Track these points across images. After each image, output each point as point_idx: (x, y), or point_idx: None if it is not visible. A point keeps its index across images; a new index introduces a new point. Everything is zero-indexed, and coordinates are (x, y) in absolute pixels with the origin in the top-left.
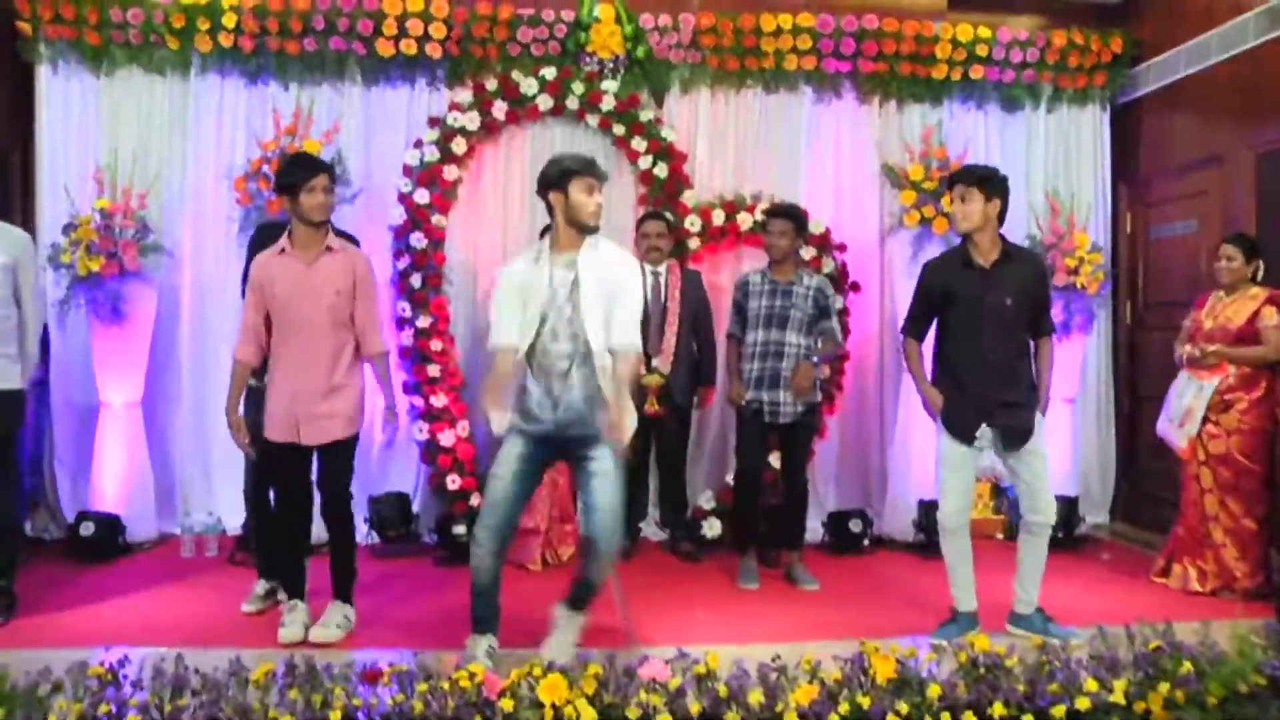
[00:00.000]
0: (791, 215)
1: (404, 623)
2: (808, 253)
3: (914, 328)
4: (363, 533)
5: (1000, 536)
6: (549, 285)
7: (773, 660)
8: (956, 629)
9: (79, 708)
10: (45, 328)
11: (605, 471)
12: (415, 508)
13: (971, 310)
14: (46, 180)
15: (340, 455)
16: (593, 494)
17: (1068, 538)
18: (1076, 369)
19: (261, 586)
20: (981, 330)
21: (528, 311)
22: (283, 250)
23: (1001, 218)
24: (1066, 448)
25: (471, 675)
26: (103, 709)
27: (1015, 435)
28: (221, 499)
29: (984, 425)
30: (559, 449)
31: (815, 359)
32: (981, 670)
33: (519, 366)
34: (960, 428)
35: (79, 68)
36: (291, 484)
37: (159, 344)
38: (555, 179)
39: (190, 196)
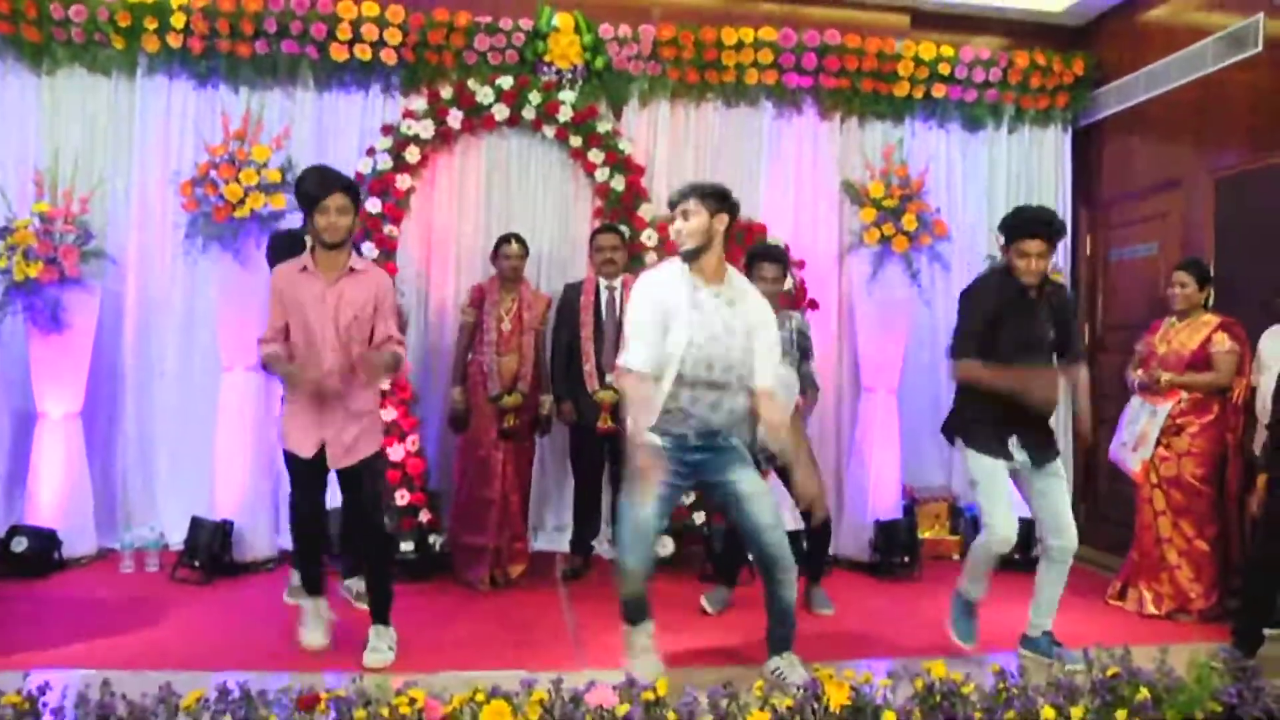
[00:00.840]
0: (780, 259)
1: (341, 643)
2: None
3: (973, 347)
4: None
5: (956, 558)
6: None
7: (724, 687)
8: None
9: None
10: None
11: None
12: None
13: (1014, 330)
14: None
15: (368, 475)
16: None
17: (1024, 560)
18: None
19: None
20: (1019, 353)
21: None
22: (304, 268)
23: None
24: None
25: (412, 701)
26: None
27: (1043, 449)
28: (165, 513)
29: (1014, 437)
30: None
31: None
32: (937, 697)
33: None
34: (990, 444)
35: (17, 65)
36: (310, 497)
37: (101, 353)
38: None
39: (135, 201)
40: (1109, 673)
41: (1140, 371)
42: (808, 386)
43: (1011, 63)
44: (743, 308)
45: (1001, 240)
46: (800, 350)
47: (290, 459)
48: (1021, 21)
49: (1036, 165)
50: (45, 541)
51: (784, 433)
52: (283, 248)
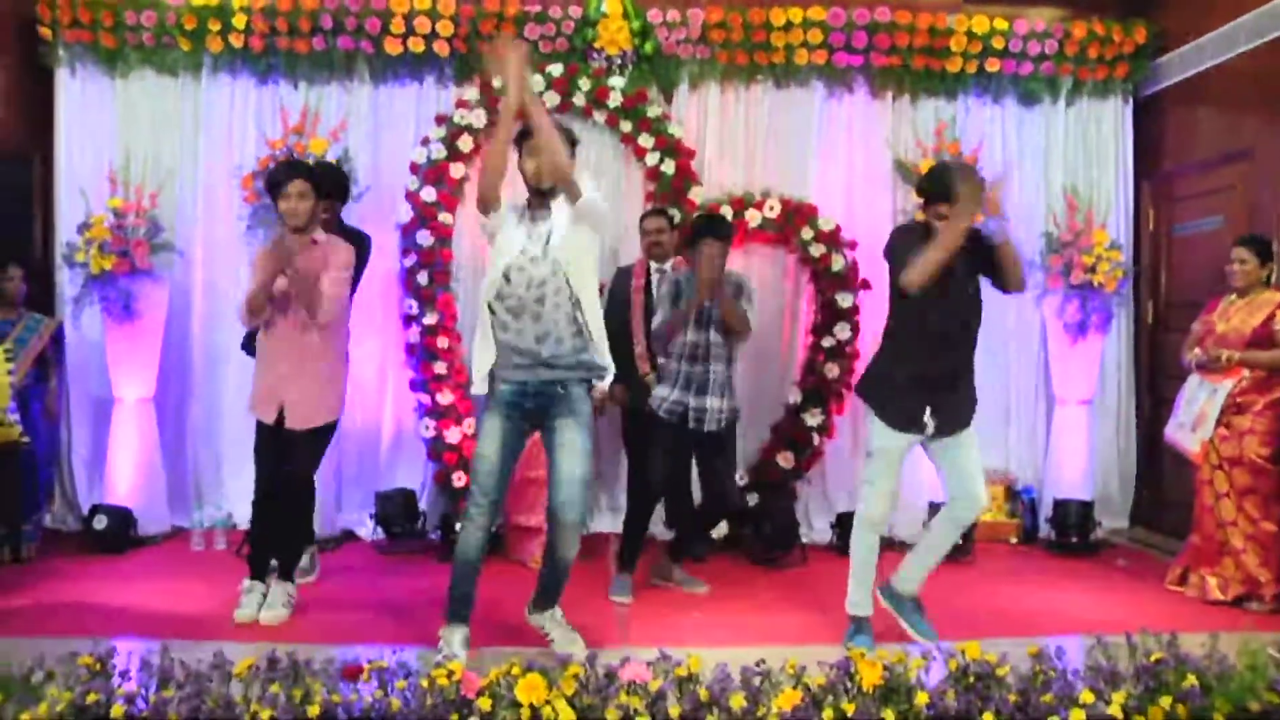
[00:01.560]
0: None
1: (399, 619)
2: (817, 250)
3: (899, 264)
4: (369, 528)
5: (1014, 541)
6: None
7: (757, 664)
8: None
9: (69, 696)
10: (61, 325)
11: (572, 443)
12: (422, 505)
13: (941, 282)
14: (64, 181)
15: (315, 442)
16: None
17: (1083, 543)
18: (1094, 370)
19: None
20: (945, 306)
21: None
22: (274, 245)
23: None
24: (1083, 451)
25: (450, 674)
26: (91, 698)
27: (956, 416)
28: (232, 493)
29: (929, 407)
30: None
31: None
32: (971, 679)
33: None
34: (900, 417)
35: (95, 71)
36: (270, 465)
37: (171, 340)
38: None
39: (201, 195)
40: (1153, 658)
41: (1198, 350)
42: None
43: (1068, 34)
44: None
45: (920, 201)
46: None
47: (257, 426)
48: None
49: (1095, 138)
50: (122, 520)
51: None
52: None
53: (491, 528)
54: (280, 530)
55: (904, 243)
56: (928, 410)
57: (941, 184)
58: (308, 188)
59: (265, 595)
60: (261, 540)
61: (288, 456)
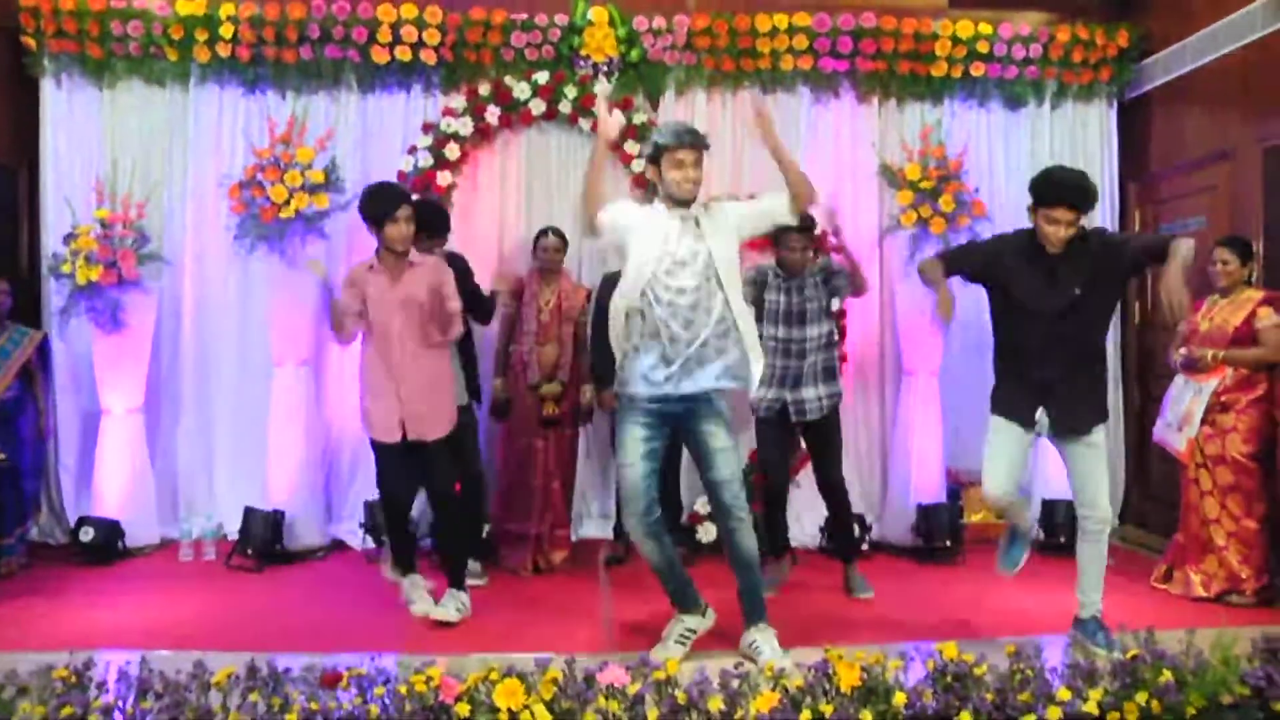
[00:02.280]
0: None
1: (383, 627)
2: None
3: (949, 261)
4: (359, 538)
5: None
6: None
7: (735, 667)
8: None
9: (42, 710)
10: (47, 337)
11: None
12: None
13: (1034, 294)
14: (51, 192)
15: (442, 452)
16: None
17: (1071, 543)
18: None
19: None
20: (1041, 317)
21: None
22: (371, 267)
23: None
24: None
25: (428, 679)
26: (65, 711)
27: (1073, 418)
28: (221, 504)
29: (1040, 410)
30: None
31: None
32: (949, 679)
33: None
34: (1009, 407)
35: (81, 81)
36: (398, 482)
37: (160, 351)
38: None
39: (190, 205)
40: (1129, 654)
41: (1183, 350)
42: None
43: (1053, 38)
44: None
45: (1030, 201)
46: (830, 290)
47: (376, 446)
48: None
49: (1081, 141)
50: (110, 531)
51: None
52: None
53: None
54: (442, 541)
55: (986, 243)
56: (1042, 413)
57: (1055, 191)
58: (411, 212)
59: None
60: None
61: (425, 475)
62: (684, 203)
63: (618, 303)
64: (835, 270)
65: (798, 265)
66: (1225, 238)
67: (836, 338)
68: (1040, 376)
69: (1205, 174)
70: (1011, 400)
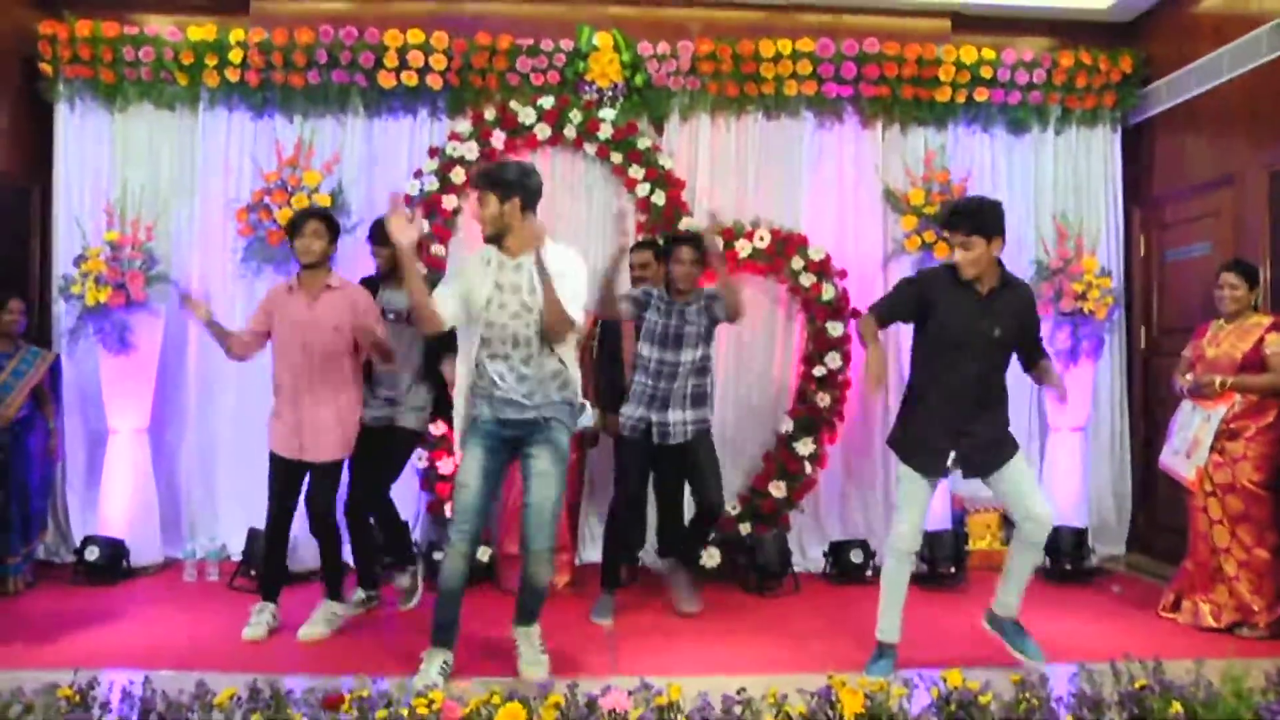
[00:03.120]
0: (696, 243)
1: (385, 648)
2: (807, 279)
3: (881, 312)
4: None
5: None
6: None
7: (738, 693)
8: (888, 664)
9: None
10: (58, 358)
11: (543, 471)
12: (415, 534)
13: (959, 333)
14: (62, 214)
15: (330, 475)
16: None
17: (1077, 570)
18: (1087, 396)
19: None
20: (964, 358)
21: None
22: (290, 288)
23: (1000, 248)
24: (1077, 478)
25: (430, 703)
26: None
27: (987, 466)
28: (226, 525)
29: (952, 454)
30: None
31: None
32: (953, 707)
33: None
34: (923, 463)
35: (94, 105)
36: (285, 496)
37: (166, 372)
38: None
39: (197, 228)
40: (1137, 684)
41: (1190, 376)
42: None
43: (1056, 63)
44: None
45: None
46: (710, 317)
47: (273, 460)
48: (1066, 21)
49: (1085, 166)
50: (115, 551)
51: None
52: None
53: (473, 555)
54: (324, 558)
55: (902, 283)
56: (951, 456)
57: (946, 218)
58: (322, 227)
59: (274, 616)
60: (273, 563)
61: (309, 495)
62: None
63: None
64: (715, 295)
65: (686, 280)
66: (1231, 262)
67: (711, 364)
68: (952, 425)
69: (1210, 199)
70: (923, 448)
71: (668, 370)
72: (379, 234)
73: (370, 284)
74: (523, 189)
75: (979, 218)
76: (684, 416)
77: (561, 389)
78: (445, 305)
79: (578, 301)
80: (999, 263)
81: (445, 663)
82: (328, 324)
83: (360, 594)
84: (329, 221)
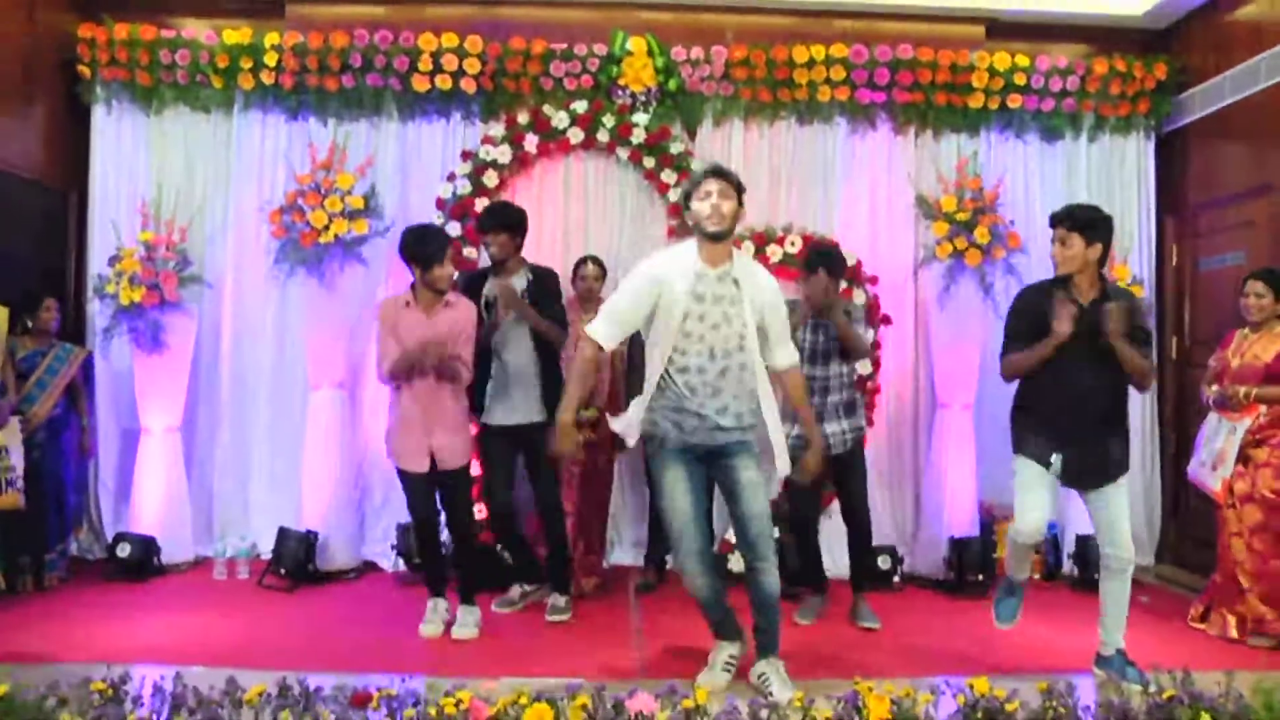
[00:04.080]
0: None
1: (412, 648)
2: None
3: (1011, 346)
4: (391, 560)
5: (1037, 577)
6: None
7: (764, 697)
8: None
9: None
10: (91, 355)
11: (751, 480)
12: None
13: (1064, 345)
14: (98, 215)
15: (462, 482)
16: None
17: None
18: None
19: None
20: (1070, 368)
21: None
22: (407, 303)
23: (1102, 261)
24: None
25: (458, 702)
26: None
27: (1093, 472)
28: (256, 523)
29: (1056, 456)
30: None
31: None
32: (980, 715)
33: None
34: (1035, 449)
35: (131, 107)
36: (428, 509)
37: (199, 372)
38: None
39: (231, 229)
40: (1165, 695)
41: (1215, 387)
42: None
43: (1090, 70)
44: (749, 288)
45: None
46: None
47: (403, 475)
48: (1100, 27)
49: (1118, 174)
50: (146, 548)
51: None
52: (469, 287)
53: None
54: (458, 562)
55: (1019, 313)
56: (1056, 457)
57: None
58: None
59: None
60: (433, 568)
61: (444, 501)
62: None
63: None
64: (855, 313)
65: (819, 300)
66: (1257, 271)
67: (857, 374)
68: (1067, 425)
69: (1244, 208)
70: (1035, 443)
71: (819, 385)
72: (488, 221)
73: (479, 277)
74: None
75: (1081, 218)
76: (841, 426)
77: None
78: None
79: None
80: (1101, 276)
81: (732, 656)
82: (446, 338)
83: (518, 590)
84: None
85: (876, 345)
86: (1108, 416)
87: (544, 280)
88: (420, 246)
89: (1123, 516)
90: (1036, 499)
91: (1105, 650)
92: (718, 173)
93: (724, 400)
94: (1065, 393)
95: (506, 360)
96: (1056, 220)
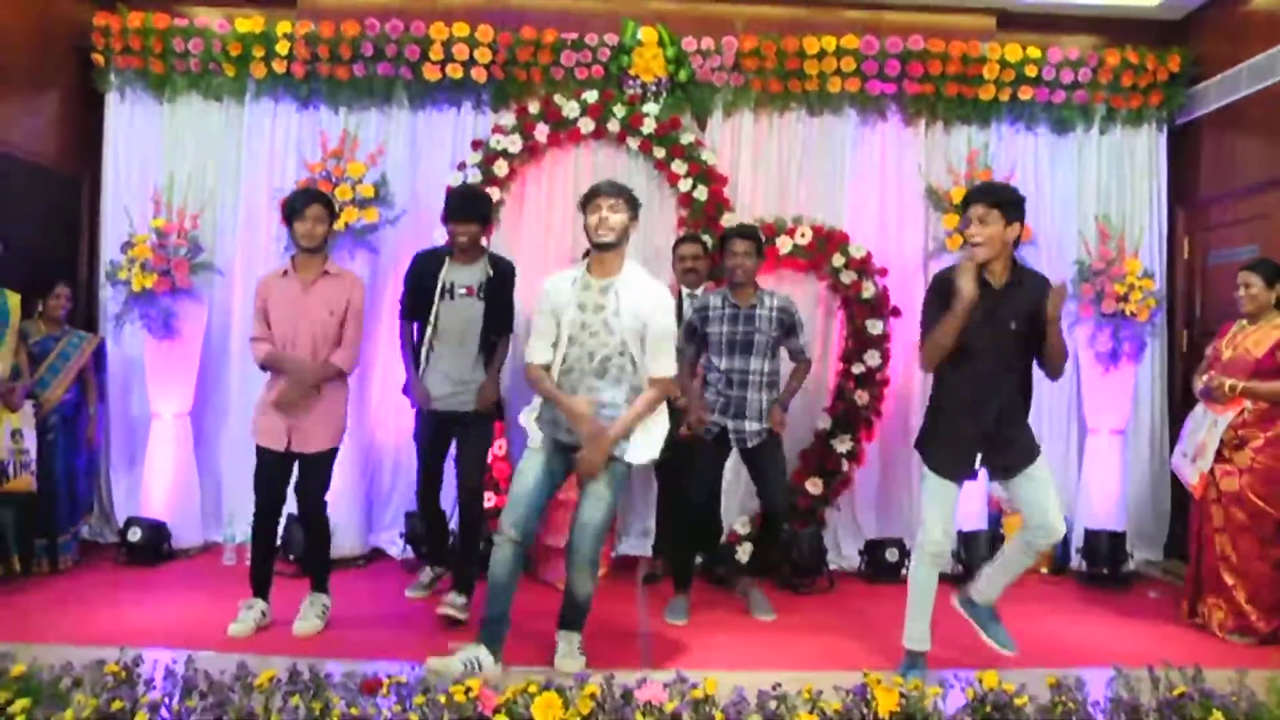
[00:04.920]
0: (753, 235)
1: (422, 636)
2: (848, 276)
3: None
4: (399, 547)
5: (1045, 571)
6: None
7: (773, 688)
8: (920, 675)
9: (94, 703)
10: (102, 342)
11: (598, 492)
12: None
13: (975, 331)
14: (111, 202)
15: (320, 465)
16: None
17: (1113, 575)
18: (1127, 399)
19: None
20: (983, 354)
21: (560, 331)
22: (285, 273)
23: (1017, 242)
24: (1115, 481)
25: (468, 690)
26: (116, 705)
27: (1015, 458)
28: None
29: (976, 459)
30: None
31: (781, 403)
32: (989, 708)
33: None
34: (949, 466)
35: (144, 95)
36: (272, 489)
37: (209, 358)
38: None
39: (242, 217)
40: (1175, 692)
41: (1204, 377)
42: (798, 361)
43: (1102, 61)
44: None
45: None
46: (784, 329)
47: (261, 457)
48: (1113, 18)
49: (1129, 166)
50: (157, 532)
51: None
52: (424, 265)
53: (526, 547)
54: (310, 550)
55: (936, 297)
56: (978, 458)
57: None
58: (323, 212)
59: (264, 612)
60: (261, 558)
61: (299, 485)
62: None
63: None
64: (785, 307)
65: (742, 273)
66: (1250, 261)
67: (779, 378)
68: (978, 426)
69: (1257, 202)
70: (949, 459)
71: (737, 378)
72: (461, 211)
73: (434, 257)
74: None
75: (1001, 195)
76: (759, 427)
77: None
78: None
79: None
80: (1014, 259)
81: (476, 659)
82: (321, 310)
83: (428, 573)
84: (329, 205)
85: (886, 337)
86: (1016, 403)
87: (503, 275)
88: (289, 202)
89: (1050, 495)
90: (943, 515)
91: (979, 599)
92: (611, 189)
93: (602, 401)
94: (976, 384)
95: (447, 348)
96: (974, 198)
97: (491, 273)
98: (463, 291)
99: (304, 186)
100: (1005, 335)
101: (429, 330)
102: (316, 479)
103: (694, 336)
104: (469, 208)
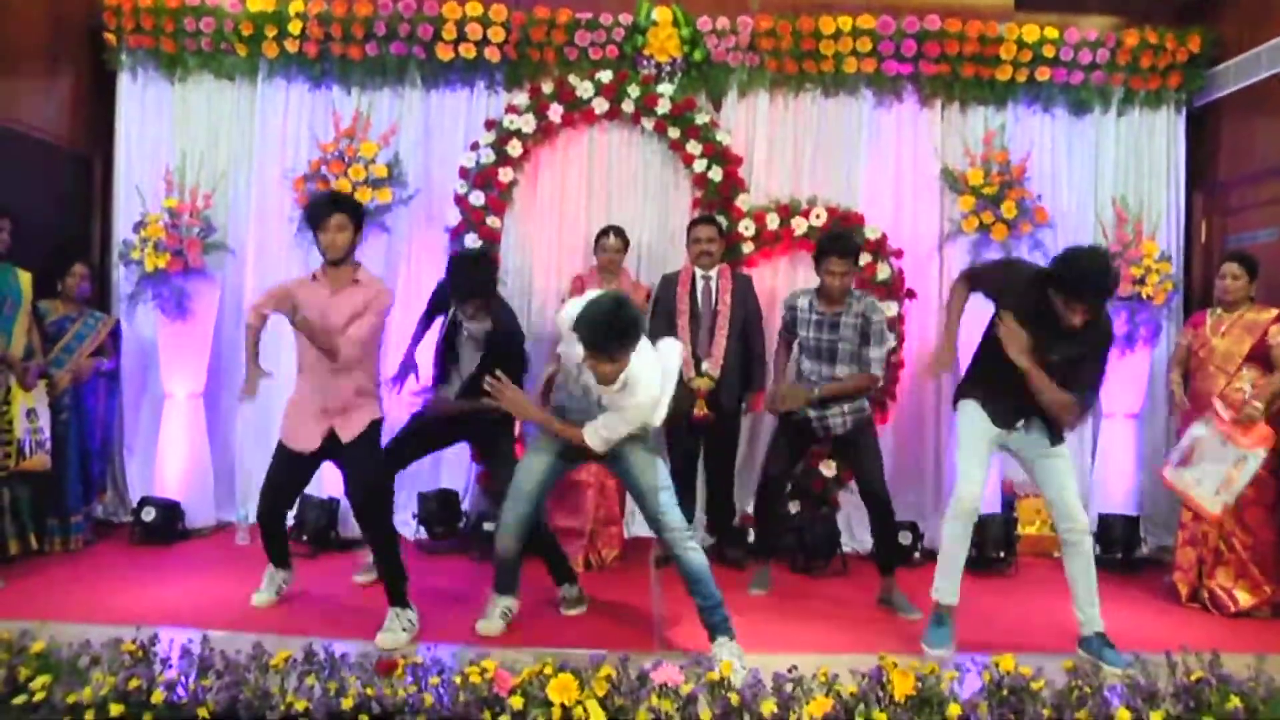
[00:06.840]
0: (853, 253)
1: (436, 617)
2: (863, 258)
3: (975, 280)
4: (412, 528)
5: (1058, 555)
6: None
7: (789, 671)
8: (947, 632)
9: (112, 681)
10: (118, 322)
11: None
12: (464, 505)
13: (1030, 341)
14: (123, 182)
15: (367, 444)
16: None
17: (1127, 560)
18: (1142, 383)
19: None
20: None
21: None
22: (315, 277)
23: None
24: (1130, 465)
25: (483, 671)
26: (133, 683)
27: (1047, 436)
28: None
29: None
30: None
31: (817, 390)
32: (1005, 692)
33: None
34: (990, 402)
35: (155, 75)
36: (283, 490)
37: (222, 338)
38: None
39: (254, 197)
40: (1193, 677)
41: (1230, 411)
42: (863, 367)
43: (1120, 42)
44: None
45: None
46: (861, 335)
47: (285, 456)
48: None
49: (1147, 148)
50: (170, 512)
51: None
52: (460, 273)
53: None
54: (378, 549)
55: (1010, 276)
56: (1020, 418)
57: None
58: (345, 220)
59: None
60: (272, 532)
61: (350, 478)
62: None
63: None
64: (873, 320)
65: (836, 292)
66: (1233, 252)
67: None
68: (1019, 397)
69: (1276, 185)
70: (990, 399)
71: (824, 383)
72: (463, 289)
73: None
74: None
75: (1108, 289)
76: (841, 409)
77: None
78: None
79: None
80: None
81: (508, 608)
82: (345, 320)
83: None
84: (353, 210)
85: (901, 319)
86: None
87: (509, 334)
88: (309, 211)
89: (1069, 487)
90: (980, 470)
91: (1084, 631)
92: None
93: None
94: (1017, 378)
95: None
96: (1080, 292)
97: (490, 328)
98: (466, 335)
99: (324, 190)
100: (1049, 362)
101: (450, 348)
102: (371, 458)
103: (789, 326)
104: (467, 285)
